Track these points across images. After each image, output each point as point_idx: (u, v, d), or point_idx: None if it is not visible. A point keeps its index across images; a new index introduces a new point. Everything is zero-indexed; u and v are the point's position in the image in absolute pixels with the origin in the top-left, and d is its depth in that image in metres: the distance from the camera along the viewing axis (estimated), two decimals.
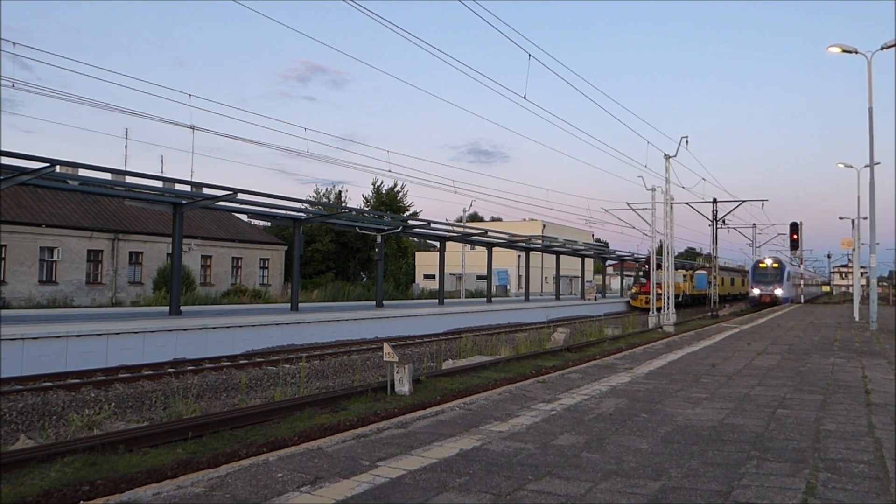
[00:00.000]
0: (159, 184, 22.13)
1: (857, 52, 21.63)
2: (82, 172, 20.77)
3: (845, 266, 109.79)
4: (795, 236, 36.23)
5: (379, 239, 29.73)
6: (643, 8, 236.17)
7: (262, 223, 48.00)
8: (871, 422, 6.97)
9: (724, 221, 43.94)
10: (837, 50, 21.60)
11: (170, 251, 25.27)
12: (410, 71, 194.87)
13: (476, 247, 53.39)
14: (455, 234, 36.41)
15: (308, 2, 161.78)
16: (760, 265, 53.29)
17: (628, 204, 39.13)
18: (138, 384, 13.02)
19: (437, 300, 35.01)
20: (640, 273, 52.80)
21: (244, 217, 41.95)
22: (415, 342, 21.48)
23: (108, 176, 22.72)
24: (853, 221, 37.57)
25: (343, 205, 55.70)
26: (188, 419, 9.42)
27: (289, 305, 26.44)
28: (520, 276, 62.35)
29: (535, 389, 9.02)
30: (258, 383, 13.89)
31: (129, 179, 23.01)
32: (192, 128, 22.42)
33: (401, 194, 61.63)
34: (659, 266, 35.77)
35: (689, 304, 50.32)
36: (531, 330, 27.33)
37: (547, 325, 29.68)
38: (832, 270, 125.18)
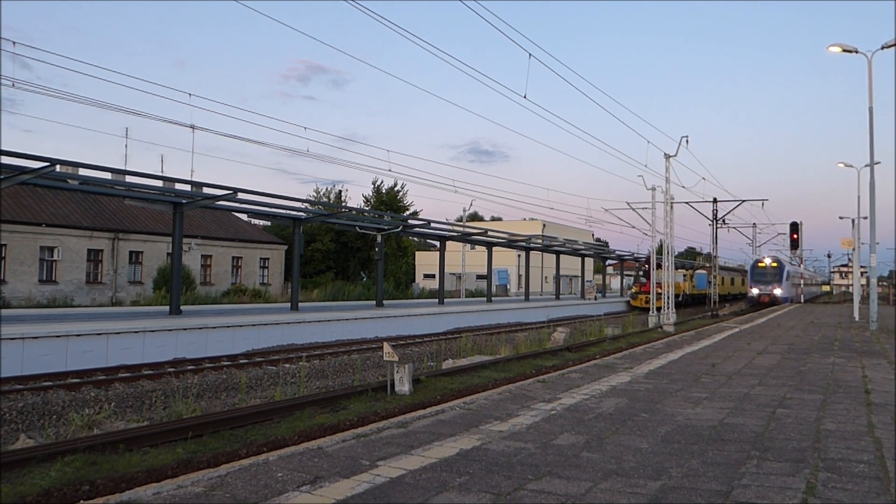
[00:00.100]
0: (159, 183, 22.13)
1: (857, 52, 21.62)
2: (82, 172, 20.79)
3: (845, 266, 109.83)
4: (795, 236, 36.23)
5: (379, 238, 29.73)
6: (643, 8, 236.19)
7: (262, 223, 48.03)
8: (871, 421, 6.97)
9: (724, 221, 43.94)
10: (837, 50, 21.60)
11: (170, 251, 25.26)
12: (411, 70, 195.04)
13: (476, 246, 53.38)
14: (455, 234, 36.41)
15: (308, 2, 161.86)
16: (759, 265, 53.15)
17: (628, 203, 39.15)
18: (138, 384, 13.02)
19: (437, 300, 35.00)
20: (640, 273, 52.75)
21: (244, 216, 41.95)
22: (415, 342, 21.48)
23: (108, 175, 22.74)
24: (853, 221, 37.60)
25: (343, 204, 55.69)
26: (188, 419, 9.42)
27: (289, 305, 26.44)
28: (520, 276, 62.35)
29: (535, 389, 9.02)
30: (258, 383, 13.90)
31: (129, 179, 23.02)
32: (193, 127, 22.48)
33: (401, 194, 61.61)
34: (659, 266, 35.76)
35: (689, 303, 50.30)
36: (531, 329, 27.33)
37: (547, 324, 29.68)
38: (832, 270, 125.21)
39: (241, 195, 21.41)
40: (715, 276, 44.19)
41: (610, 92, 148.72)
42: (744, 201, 42.98)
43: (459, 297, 49.13)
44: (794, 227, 36.15)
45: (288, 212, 25.43)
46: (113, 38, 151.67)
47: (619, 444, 5.83)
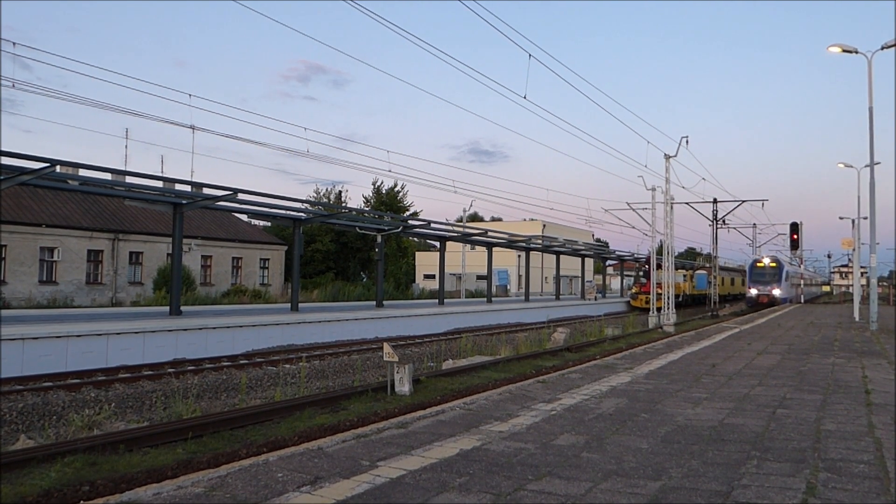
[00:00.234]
0: (159, 184, 22.14)
1: (857, 52, 21.62)
2: (82, 172, 20.78)
3: (845, 266, 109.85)
4: (795, 236, 36.24)
5: (379, 239, 29.74)
6: (643, 8, 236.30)
7: (262, 223, 48.02)
8: (872, 422, 6.97)
9: (724, 221, 43.96)
10: (837, 50, 21.60)
11: (170, 251, 25.27)
12: (411, 71, 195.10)
13: (476, 247, 53.39)
14: (455, 234, 36.40)
15: (308, 2, 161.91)
16: (758, 264, 52.84)
17: (628, 204, 39.20)
18: (138, 384, 13.02)
19: (437, 300, 35.01)
20: (641, 273, 52.79)
21: (244, 217, 41.96)
22: (415, 342, 21.48)
23: (108, 176, 22.72)
24: (853, 221, 37.60)
25: (343, 205, 55.72)
26: (188, 419, 9.42)
27: (289, 305, 26.44)
28: (520, 276, 62.33)
29: (535, 389, 9.02)
30: (258, 383, 13.90)
31: (129, 179, 23.00)
32: (192, 128, 22.44)
33: (401, 194, 61.63)
34: (659, 266, 35.77)
35: (690, 304, 50.29)
36: (531, 330, 27.33)
37: (547, 325, 29.67)
38: (832, 270, 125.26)
39: (241, 196, 21.42)
40: (715, 277, 44.21)
41: (610, 92, 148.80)
42: (744, 201, 43.05)
43: (459, 297, 49.12)
44: (794, 228, 36.16)
45: (288, 212, 25.43)
46: (113, 39, 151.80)
47: (619, 445, 5.83)
